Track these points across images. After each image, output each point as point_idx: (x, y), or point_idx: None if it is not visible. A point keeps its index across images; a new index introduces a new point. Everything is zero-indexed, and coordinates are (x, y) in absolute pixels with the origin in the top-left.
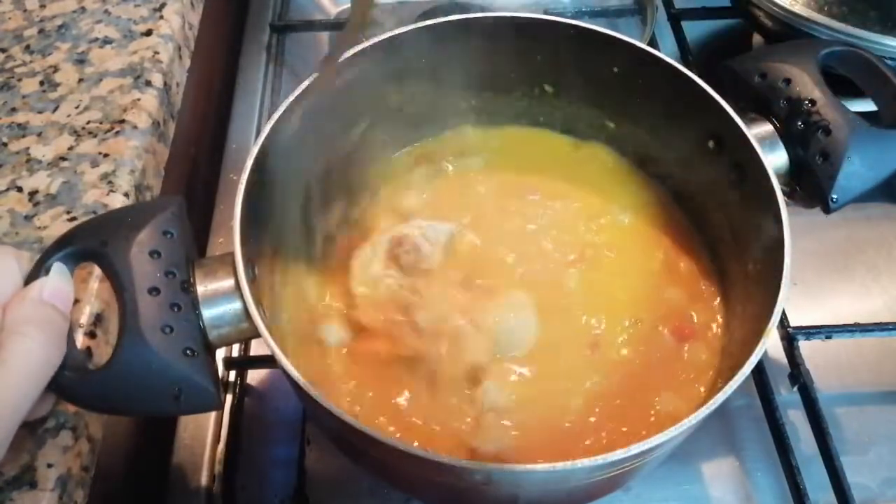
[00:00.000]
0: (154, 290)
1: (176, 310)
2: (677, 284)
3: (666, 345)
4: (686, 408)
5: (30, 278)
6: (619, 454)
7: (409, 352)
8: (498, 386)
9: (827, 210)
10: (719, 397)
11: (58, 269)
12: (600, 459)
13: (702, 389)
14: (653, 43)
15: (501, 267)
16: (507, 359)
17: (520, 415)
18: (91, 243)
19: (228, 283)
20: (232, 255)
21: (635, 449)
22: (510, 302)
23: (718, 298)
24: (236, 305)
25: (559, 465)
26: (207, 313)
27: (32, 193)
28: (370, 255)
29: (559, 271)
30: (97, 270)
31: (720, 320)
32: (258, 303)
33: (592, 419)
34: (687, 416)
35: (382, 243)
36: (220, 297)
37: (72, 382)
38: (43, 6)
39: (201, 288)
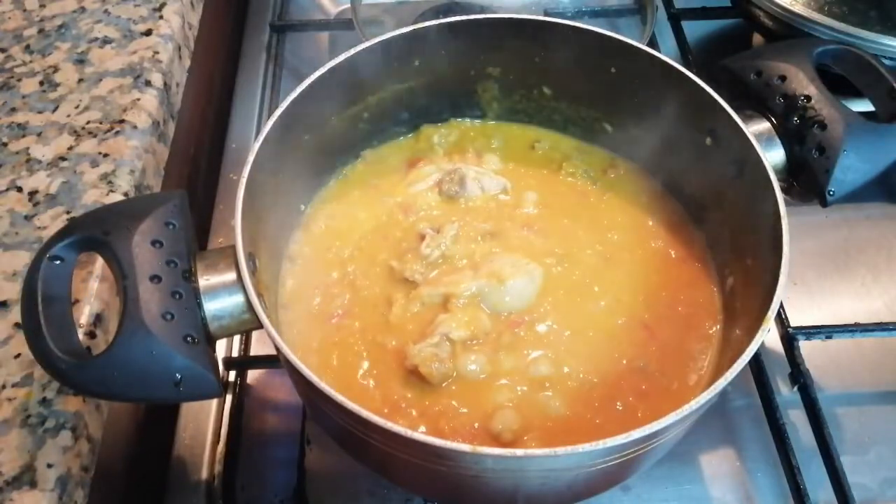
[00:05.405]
0: (155, 278)
1: (177, 297)
2: (676, 279)
3: (664, 340)
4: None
5: (32, 269)
6: (619, 439)
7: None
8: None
9: (824, 203)
10: (720, 383)
11: None
12: (601, 444)
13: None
14: (653, 43)
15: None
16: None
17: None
18: (93, 232)
19: (230, 276)
20: (233, 247)
21: (636, 434)
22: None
23: (718, 294)
24: (238, 298)
25: (560, 450)
26: (209, 305)
27: (32, 193)
28: (427, 172)
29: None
30: (97, 270)
31: (720, 316)
32: (259, 295)
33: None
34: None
35: (440, 170)
36: (221, 290)
37: (70, 368)
38: (43, 6)
39: (203, 280)
